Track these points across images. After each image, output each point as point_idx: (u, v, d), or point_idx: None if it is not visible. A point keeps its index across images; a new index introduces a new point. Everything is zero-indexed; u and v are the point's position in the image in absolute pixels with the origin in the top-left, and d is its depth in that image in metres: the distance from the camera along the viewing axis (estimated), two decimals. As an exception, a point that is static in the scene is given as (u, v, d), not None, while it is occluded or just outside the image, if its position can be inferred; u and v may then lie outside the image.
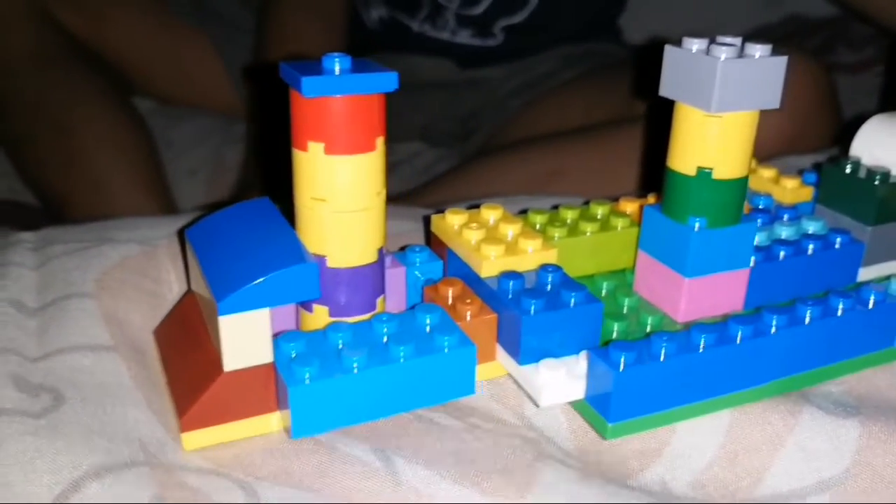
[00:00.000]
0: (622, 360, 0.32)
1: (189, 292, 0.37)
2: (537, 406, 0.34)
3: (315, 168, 0.32)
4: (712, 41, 0.36)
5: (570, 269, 0.40)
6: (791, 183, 0.45)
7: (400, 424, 0.33)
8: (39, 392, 0.33)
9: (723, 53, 0.34)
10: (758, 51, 0.35)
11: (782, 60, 0.35)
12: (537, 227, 0.41)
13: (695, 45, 0.36)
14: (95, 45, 0.94)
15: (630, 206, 0.43)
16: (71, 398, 0.33)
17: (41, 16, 0.90)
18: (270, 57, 0.90)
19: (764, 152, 0.62)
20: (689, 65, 0.35)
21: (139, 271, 0.41)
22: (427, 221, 0.44)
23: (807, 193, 0.45)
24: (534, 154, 0.80)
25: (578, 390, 0.34)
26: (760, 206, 0.44)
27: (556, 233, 0.40)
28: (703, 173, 0.36)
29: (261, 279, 0.31)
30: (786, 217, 0.43)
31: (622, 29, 1.05)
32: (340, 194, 0.32)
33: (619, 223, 0.41)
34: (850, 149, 0.43)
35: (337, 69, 0.32)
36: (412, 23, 0.94)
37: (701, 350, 0.33)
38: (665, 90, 0.37)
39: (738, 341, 0.34)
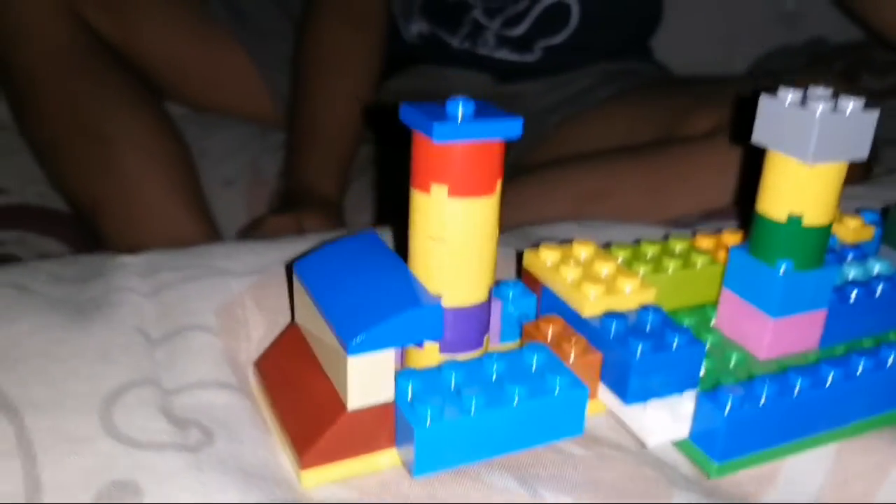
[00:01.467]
0: (729, 402, 0.33)
1: (292, 325, 0.38)
2: (643, 447, 0.35)
3: (436, 209, 0.33)
4: (806, 92, 0.37)
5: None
6: (853, 223, 0.46)
7: (534, 454, 0.34)
8: (188, 426, 0.33)
9: (820, 106, 0.35)
10: (851, 105, 0.36)
11: (874, 115, 0.37)
12: (619, 261, 0.42)
13: (790, 95, 0.37)
14: (128, 50, 0.93)
15: (707, 243, 0.44)
16: (217, 434, 0.33)
17: (73, 19, 0.89)
18: (309, 68, 0.90)
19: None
20: (785, 116, 0.37)
21: (256, 304, 0.42)
22: (518, 256, 0.45)
23: (869, 233, 0.46)
24: (579, 173, 0.80)
25: (682, 430, 0.35)
26: (831, 246, 0.45)
27: (641, 268, 0.41)
28: (794, 220, 0.37)
29: (390, 320, 0.31)
30: (850, 256, 0.44)
31: (653, 49, 1.07)
32: (459, 235, 0.33)
33: (700, 261, 0.42)
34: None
35: (460, 114, 0.32)
36: (452, 40, 0.95)
37: (796, 393, 0.35)
38: (759, 138, 0.38)
39: (827, 384, 0.35)
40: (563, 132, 0.90)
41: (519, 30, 0.93)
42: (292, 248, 0.46)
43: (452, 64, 0.96)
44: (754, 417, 0.34)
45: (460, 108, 0.32)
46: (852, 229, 0.46)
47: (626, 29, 0.99)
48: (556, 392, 0.33)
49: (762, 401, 0.34)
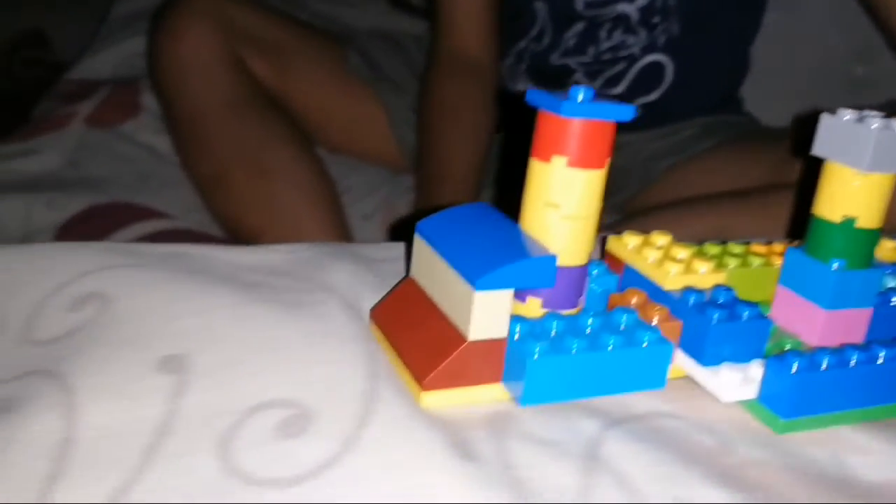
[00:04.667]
0: (795, 364, 0.38)
1: (405, 280, 0.42)
2: (720, 401, 0.39)
3: (555, 178, 0.38)
4: (861, 114, 0.43)
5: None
6: (890, 244, 0.52)
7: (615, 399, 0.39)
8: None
9: (876, 122, 0.41)
10: (900, 124, 0.42)
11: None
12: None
13: (847, 115, 0.43)
14: (283, 96, 1.01)
15: (761, 249, 0.49)
16: None
17: (238, 67, 0.97)
18: (432, 118, 0.98)
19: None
20: (844, 131, 0.42)
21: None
22: (602, 242, 0.50)
23: (903, 255, 0.52)
24: (692, 216, 0.85)
25: (752, 391, 0.39)
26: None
27: (703, 266, 0.46)
28: (848, 222, 0.43)
29: (512, 264, 0.36)
30: (889, 270, 0.49)
31: (743, 99, 1.13)
32: (572, 202, 0.38)
33: (757, 261, 0.47)
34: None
35: (580, 98, 0.38)
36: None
37: (853, 365, 0.40)
38: (818, 150, 0.44)
39: (881, 360, 0.40)
40: (672, 178, 0.95)
41: (618, 89, 1.00)
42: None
43: None
44: (816, 381, 0.39)
45: (581, 94, 0.38)
46: (889, 249, 0.52)
47: (716, 84, 1.06)
48: (645, 345, 0.38)
49: (823, 366, 0.39)
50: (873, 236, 0.43)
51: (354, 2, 1.27)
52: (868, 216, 0.43)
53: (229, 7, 0.99)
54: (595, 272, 0.45)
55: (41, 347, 0.38)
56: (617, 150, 0.90)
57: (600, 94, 0.39)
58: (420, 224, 0.41)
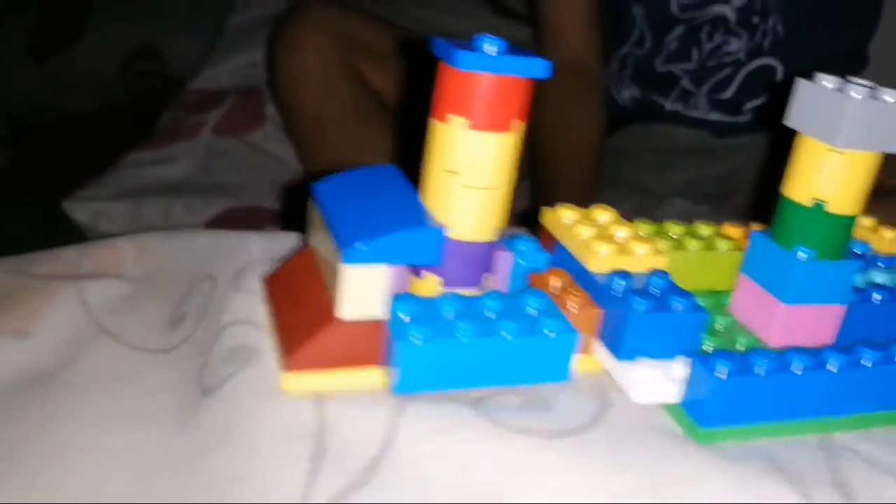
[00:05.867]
0: (722, 368, 0.33)
1: (305, 247, 0.38)
2: (630, 401, 0.35)
3: (452, 141, 0.33)
4: (846, 81, 0.36)
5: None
6: (890, 234, 0.45)
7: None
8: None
9: (855, 92, 0.35)
10: (891, 96, 0.36)
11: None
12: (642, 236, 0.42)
13: (829, 82, 0.36)
14: (391, 99, 1.01)
15: (734, 232, 0.43)
16: None
17: (353, 76, 0.99)
18: (543, 127, 0.97)
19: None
20: (820, 100, 0.36)
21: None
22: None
23: (904, 246, 0.45)
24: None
25: (673, 393, 0.34)
26: (858, 252, 0.44)
27: (662, 245, 0.41)
28: (818, 205, 0.37)
29: (387, 235, 0.32)
30: (882, 264, 0.43)
31: None
32: (473, 169, 0.34)
33: (724, 245, 0.42)
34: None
35: (491, 50, 0.33)
36: (665, 102, 1.00)
37: (795, 372, 0.34)
38: (791, 121, 0.38)
39: (831, 369, 0.35)
40: None
41: (727, 93, 0.97)
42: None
43: (667, 122, 1.01)
44: (745, 387, 0.33)
45: (490, 45, 0.33)
46: (888, 240, 0.45)
47: None
48: (546, 333, 0.33)
49: (756, 371, 0.33)
50: (847, 223, 0.37)
51: (458, 10, 1.27)
52: (842, 200, 0.37)
53: (343, 19, 1.01)
54: (524, 248, 0.40)
55: None
56: (731, 151, 0.83)
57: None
58: (317, 185, 0.37)
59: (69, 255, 0.44)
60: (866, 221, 0.47)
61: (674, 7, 0.96)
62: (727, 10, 0.94)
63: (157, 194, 1.02)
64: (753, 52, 0.96)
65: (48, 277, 0.42)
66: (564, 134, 0.98)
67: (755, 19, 0.94)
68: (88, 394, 0.35)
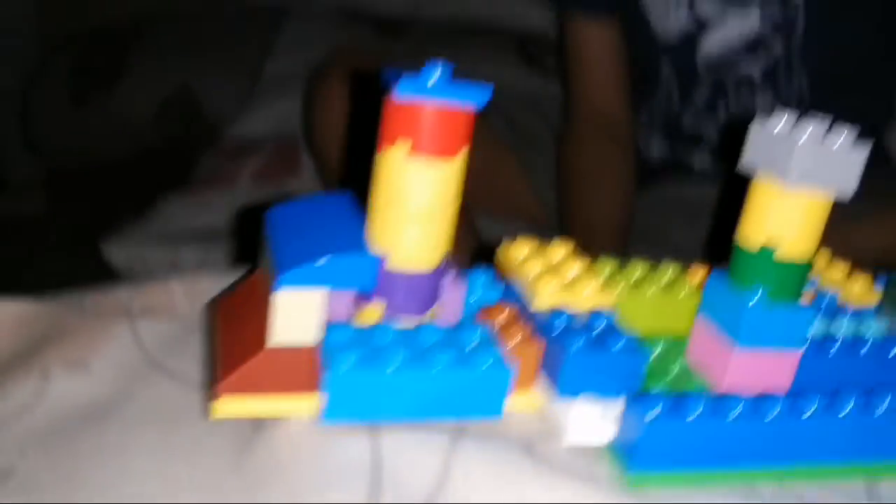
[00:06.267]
0: (653, 410, 0.32)
1: (258, 269, 0.39)
2: (564, 443, 0.34)
3: (393, 169, 0.34)
4: (798, 122, 0.36)
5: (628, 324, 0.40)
6: (860, 283, 0.44)
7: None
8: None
9: (806, 133, 0.35)
10: (839, 138, 0.35)
11: (861, 153, 0.35)
12: (604, 275, 0.42)
13: (780, 124, 0.36)
14: None
15: (699, 275, 0.43)
16: None
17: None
18: (574, 178, 1.00)
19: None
20: (773, 142, 0.36)
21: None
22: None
23: (875, 296, 0.44)
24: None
25: (607, 435, 0.34)
26: (825, 300, 0.44)
27: (620, 285, 0.41)
28: (769, 250, 0.36)
29: (319, 261, 0.32)
30: (848, 315, 0.42)
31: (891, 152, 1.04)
32: (415, 197, 0.34)
33: (682, 290, 0.41)
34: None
35: (434, 79, 0.33)
36: (693, 160, 1.02)
37: (732, 418, 0.33)
38: (746, 163, 0.37)
39: (770, 417, 0.34)
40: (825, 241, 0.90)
41: None
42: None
43: (696, 180, 1.02)
44: (676, 431, 0.33)
45: (435, 74, 0.33)
46: (858, 289, 0.44)
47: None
48: (479, 368, 0.33)
49: (693, 416, 0.33)
50: (798, 269, 0.37)
51: (488, 59, 1.28)
52: (792, 243, 0.36)
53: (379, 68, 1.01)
54: (480, 280, 0.40)
55: None
56: None
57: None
58: (271, 211, 0.37)
59: (121, 293, 0.44)
60: (838, 269, 0.46)
61: (700, 65, 0.96)
62: (753, 70, 0.94)
63: (194, 240, 1.04)
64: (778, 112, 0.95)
65: (101, 314, 0.43)
66: (594, 193, 0.98)
67: (781, 80, 0.94)
68: (144, 426, 0.35)
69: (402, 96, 0.32)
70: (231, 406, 0.33)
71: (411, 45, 1.27)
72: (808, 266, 0.37)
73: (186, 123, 1.30)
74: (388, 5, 1.37)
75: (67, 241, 1.12)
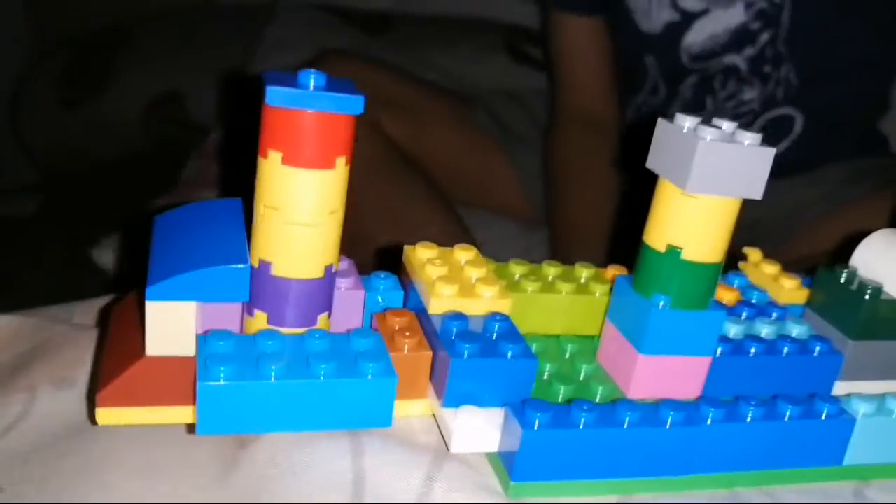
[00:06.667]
0: (536, 419, 0.31)
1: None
2: (448, 451, 0.33)
3: (271, 176, 0.33)
4: (706, 122, 0.35)
5: (539, 326, 0.40)
6: (789, 283, 0.43)
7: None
8: None
9: (708, 135, 0.33)
10: (747, 139, 0.34)
11: (769, 152, 0.34)
12: (516, 277, 0.41)
13: (686, 122, 0.35)
14: (416, 155, 1.03)
15: (616, 274, 0.42)
16: None
17: (374, 128, 1.00)
18: (559, 178, 1.00)
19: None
20: (675, 141, 0.35)
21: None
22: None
23: (802, 296, 0.43)
24: None
25: (494, 442, 0.33)
26: (753, 301, 0.42)
27: (531, 286, 0.40)
28: (673, 252, 0.35)
29: (188, 273, 0.32)
30: (774, 315, 0.41)
31: (889, 136, 1.03)
32: (292, 206, 0.33)
33: (598, 289, 0.40)
34: (851, 259, 0.42)
35: (311, 85, 0.32)
36: None
37: (622, 426, 0.32)
38: (651, 163, 0.36)
39: (666, 426, 0.33)
40: (820, 227, 0.88)
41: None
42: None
43: None
44: (560, 441, 0.32)
45: (311, 80, 0.32)
46: (786, 289, 0.43)
47: (851, 129, 0.99)
48: (364, 376, 0.32)
49: (577, 425, 0.32)
50: (706, 271, 0.36)
51: (478, 58, 1.29)
52: (698, 247, 0.35)
53: (364, 71, 1.03)
54: (381, 286, 0.39)
55: None
56: (750, 200, 0.86)
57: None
58: (160, 217, 0.37)
59: (108, 305, 0.44)
60: (769, 268, 0.45)
61: (684, 58, 0.95)
62: (738, 60, 0.93)
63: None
64: (768, 102, 0.94)
65: (89, 327, 0.43)
66: (580, 186, 0.98)
67: (767, 69, 0.93)
68: (131, 443, 0.35)
69: (274, 103, 0.31)
70: (112, 415, 0.33)
71: (397, 41, 1.26)
72: (717, 267, 0.36)
73: (174, 126, 1.31)
74: (373, 1, 1.37)
75: (58, 244, 1.12)
